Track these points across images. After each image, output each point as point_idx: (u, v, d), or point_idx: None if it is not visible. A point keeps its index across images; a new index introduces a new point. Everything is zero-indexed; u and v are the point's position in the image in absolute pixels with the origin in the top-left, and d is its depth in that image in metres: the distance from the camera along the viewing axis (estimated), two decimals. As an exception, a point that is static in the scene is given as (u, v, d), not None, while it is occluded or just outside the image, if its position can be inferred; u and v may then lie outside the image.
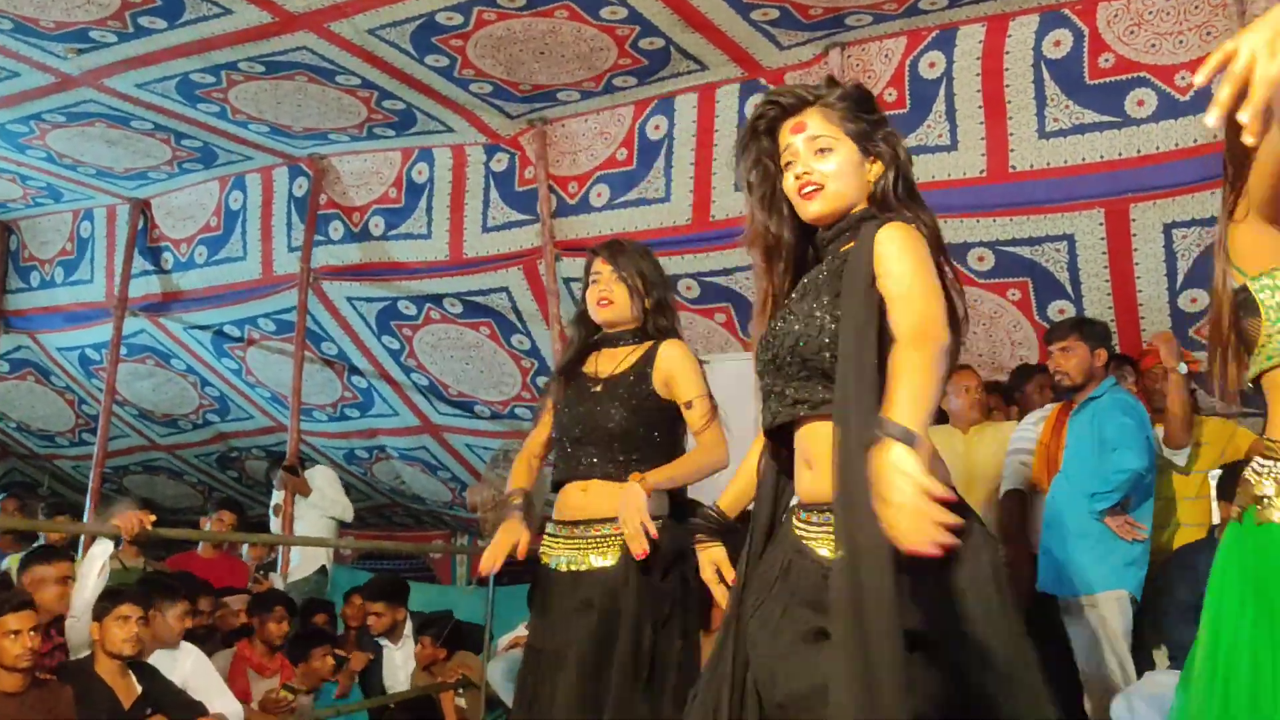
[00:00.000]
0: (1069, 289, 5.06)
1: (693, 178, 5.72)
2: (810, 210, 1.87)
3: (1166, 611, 3.57)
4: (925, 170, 4.92)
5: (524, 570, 3.29)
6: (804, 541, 1.83)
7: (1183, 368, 3.80)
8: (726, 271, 5.76)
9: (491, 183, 6.36)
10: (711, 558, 2.18)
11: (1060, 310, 5.07)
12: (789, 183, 1.89)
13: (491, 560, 2.71)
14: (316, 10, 4.92)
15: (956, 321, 1.77)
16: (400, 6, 4.87)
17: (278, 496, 6.45)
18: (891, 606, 1.51)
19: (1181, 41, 4.54)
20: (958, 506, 1.65)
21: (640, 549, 2.51)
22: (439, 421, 7.67)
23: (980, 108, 4.91)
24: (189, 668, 3.90)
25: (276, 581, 6.04)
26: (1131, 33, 4.61)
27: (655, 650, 2.59)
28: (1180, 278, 4.84)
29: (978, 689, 1.67)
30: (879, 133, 1.88)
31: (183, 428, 8.71)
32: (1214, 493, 3.88)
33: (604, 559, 2.64)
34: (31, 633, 3.18)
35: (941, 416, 4.28)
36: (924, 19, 4.94)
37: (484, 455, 7.45)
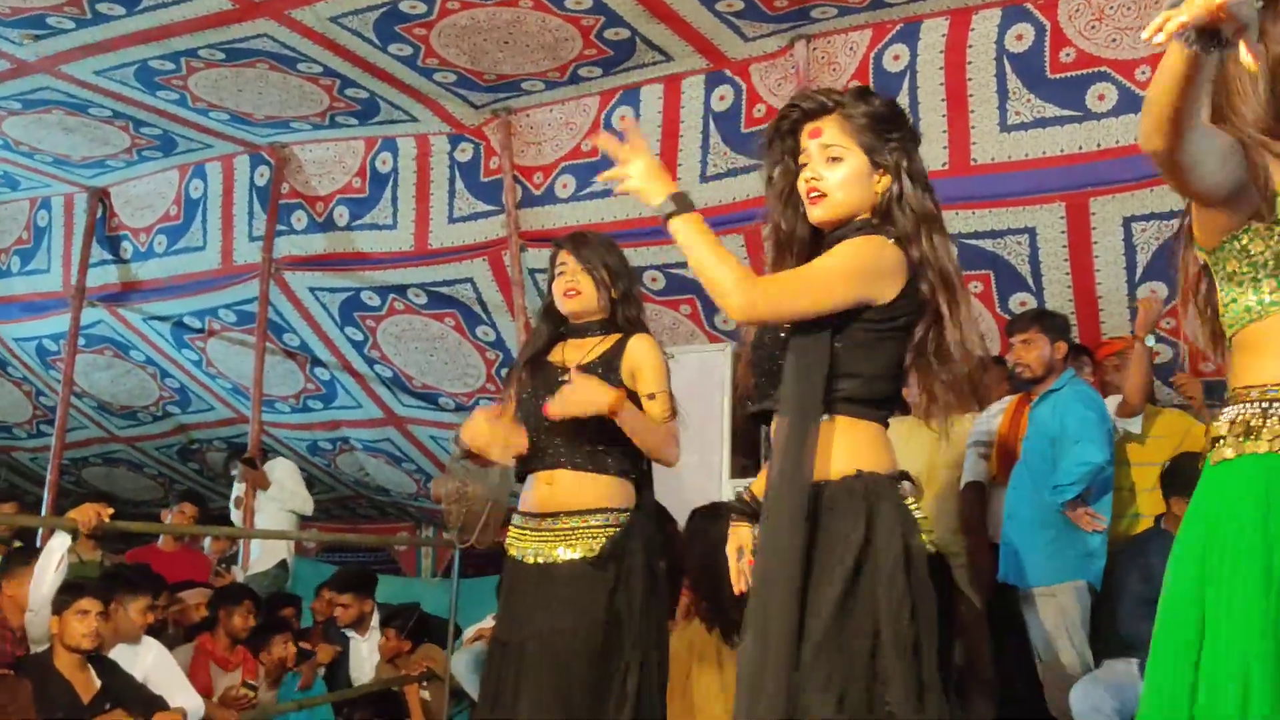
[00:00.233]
0: (1030, 281, 5.11)
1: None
2: (814, 214, 1.97)
3: (1120, 601, 3.62)
4: (889, 163, 4.95)
5: (490, 563, 3.29)
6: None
7: (1151, 339, 3.83)
8: (691, 263, 5.77)
9: (456, 173, 6.33)
10: (739, 539, 2.19)
11: (1022, 302, 5.12)
12: (801, 184, 1.98)
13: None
14: (278, -3, 4.87)
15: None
16: (363, -6, 4.84)
17: (238, 489, 6.40)
18: (789, 595, 1.76)
19: (1142, 36, 4.58)
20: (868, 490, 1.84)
21: (558, 408, 2.56)
22: (403, 413, 7.63)
23: (943, 101, 4.95)
24: (150, 662, 3.87)
25: (237, 575, 5.99)
26: (1093, 27, 4.66)
27: (624, 644, 2.58)
28: (1139, 270, 4.90)
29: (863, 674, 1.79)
30: (893, 148, 1.95)
31: (142, 420, 8.61)
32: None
33: (572, 552, 2.63)
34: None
35: (905, 409, 4.31)
36: (888, 12, 4.97)
37: (449, 447, 7.42)
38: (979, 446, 4.09)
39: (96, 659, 3.59)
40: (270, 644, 4.56)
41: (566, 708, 2.52)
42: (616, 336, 2.80)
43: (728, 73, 5.49)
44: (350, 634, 5.12)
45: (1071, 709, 3.44)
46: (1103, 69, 4.64)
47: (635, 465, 2.78)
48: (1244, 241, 1.55)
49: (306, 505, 6.43)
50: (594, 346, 2.80)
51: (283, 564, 6.25)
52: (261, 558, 6.24)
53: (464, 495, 4.54)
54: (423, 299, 6.70)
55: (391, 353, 7.14)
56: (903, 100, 5.02)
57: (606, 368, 2.73)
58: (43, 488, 7.25)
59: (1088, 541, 3.63)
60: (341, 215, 6.65)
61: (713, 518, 4.11)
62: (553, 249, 2.90)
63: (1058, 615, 3.55)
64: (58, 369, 7.79)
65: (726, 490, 4.90)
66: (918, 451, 4.00)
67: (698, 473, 4.91)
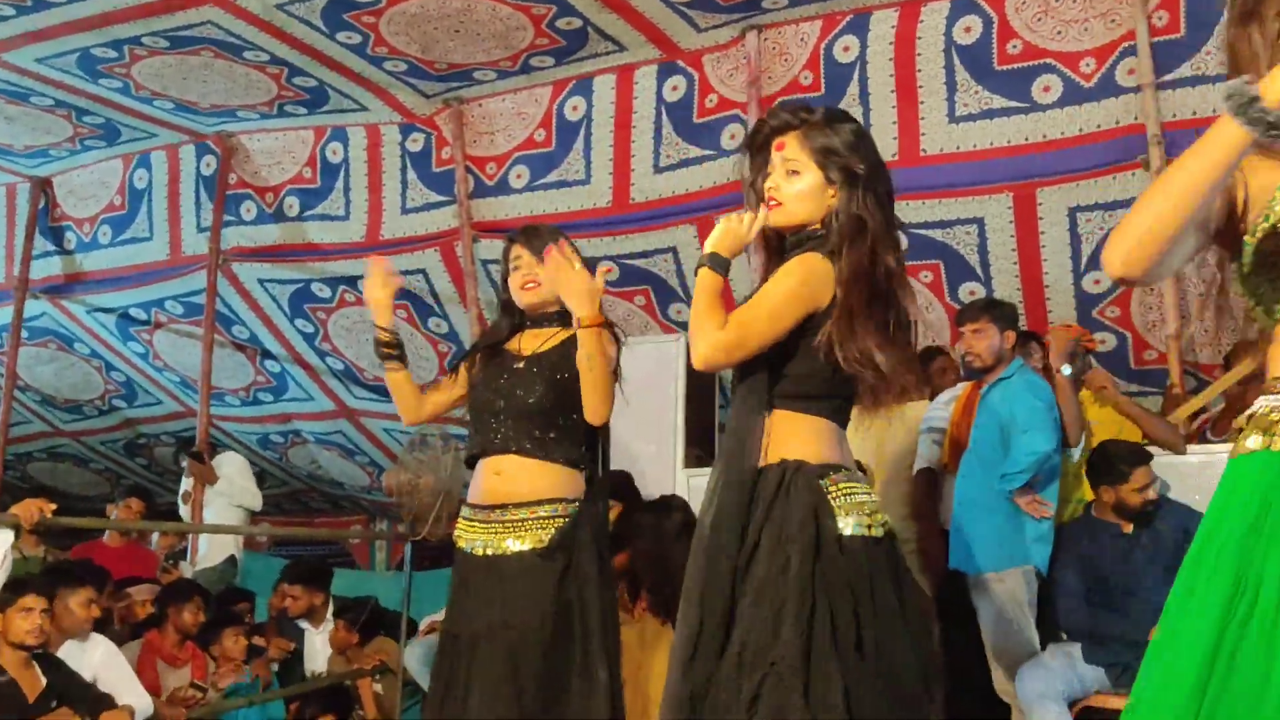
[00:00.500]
0: (979, 271, 5.17)
1: (612, 160, 5.71)
2: (771, 220, 2.15)
3: (1057, 590, 3.68)
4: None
5: (444, 555, 3.28)
6: None
7: (1066, 369, 3.88)
8: (646, 254, 5.77)
9: (408, 163, 6.28)
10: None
11: (971, 292, 5.18)
12: (765, 191, 2.17)
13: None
14: (222, -16, 4.80)
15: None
16: (311, -19, 4.78)
17: (186, 483, 6.32)
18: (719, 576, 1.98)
19: (1087, 29, 4.65)
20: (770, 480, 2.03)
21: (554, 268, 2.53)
22: (355, 406, 7.57)
23: (893, 92, 4.99)
24: (98, 660, 3.81)
25: (185, 570, 5.92)
26: (1039, 20, 4.72)
27: (575, 635, 2.56)
28: (1084, 260, 4.97)
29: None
30: (844, 167, 2.09)
31: (88, 414, 8.47)
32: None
33: (521, 543, 2.61)
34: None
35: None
36: (839, 3, 5.00)
37: (402, 439, 7.37)
38: (932, 434, 4.13)
39: (42, 657, 3.53)
40: (221, 638, 4.50)
41: (518, 701, 2.50)
42: (574, 329, 2.74)
43: (680, 63, 5.50)
44: (305, 626, 5.08)
45: (1017, 691, 3.49)
46: (1048, 61, 4.71)
47: (584, 454, 2.76)
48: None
49: (255, 501, 6.36)
50: (551, 336, 2.79)
51: (231, 559, 6.17)
52: (210, 553, 6.16)
53: (416, 487, 4.52)
54: (374, 290, 6.63)
55: (343, 345, 7.08)
56: (853, 91, 5.06)
57: (562, 357, 2.71)
58: (-15, 483, 7.12)
59: (1035, 528, 3.68)
60: (292, 206, 6.58)
61: (663, 510, 4.12)
62: (505, 243, 2.88)
63: (1006, 600, 3.60)
64: (0, 362, 7.63)
65: (681, 480, 4.92)
66: (867, 438, 4.05)
67: (652, 463, 4.93)
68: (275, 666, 4.94)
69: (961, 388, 4.11)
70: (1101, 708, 3.63)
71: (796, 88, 5.22)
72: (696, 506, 4.28)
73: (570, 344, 2.70)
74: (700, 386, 5.33)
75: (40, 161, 6.97)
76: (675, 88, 5.54)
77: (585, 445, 2.78)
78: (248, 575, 6.28)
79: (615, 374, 2.70)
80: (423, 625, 4.94)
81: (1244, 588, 1.35)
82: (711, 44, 5.35)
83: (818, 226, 2.12)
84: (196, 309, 6.93)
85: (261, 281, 6.86)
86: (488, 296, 5.94)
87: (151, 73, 5.70)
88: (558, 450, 2.69)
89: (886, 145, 4.98)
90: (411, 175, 6.26)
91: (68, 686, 3.55)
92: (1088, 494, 4.06)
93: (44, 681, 3.48)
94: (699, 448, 5.26)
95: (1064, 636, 3.67)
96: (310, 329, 7.07)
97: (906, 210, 4.96)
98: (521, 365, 2.75)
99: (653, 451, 4.99)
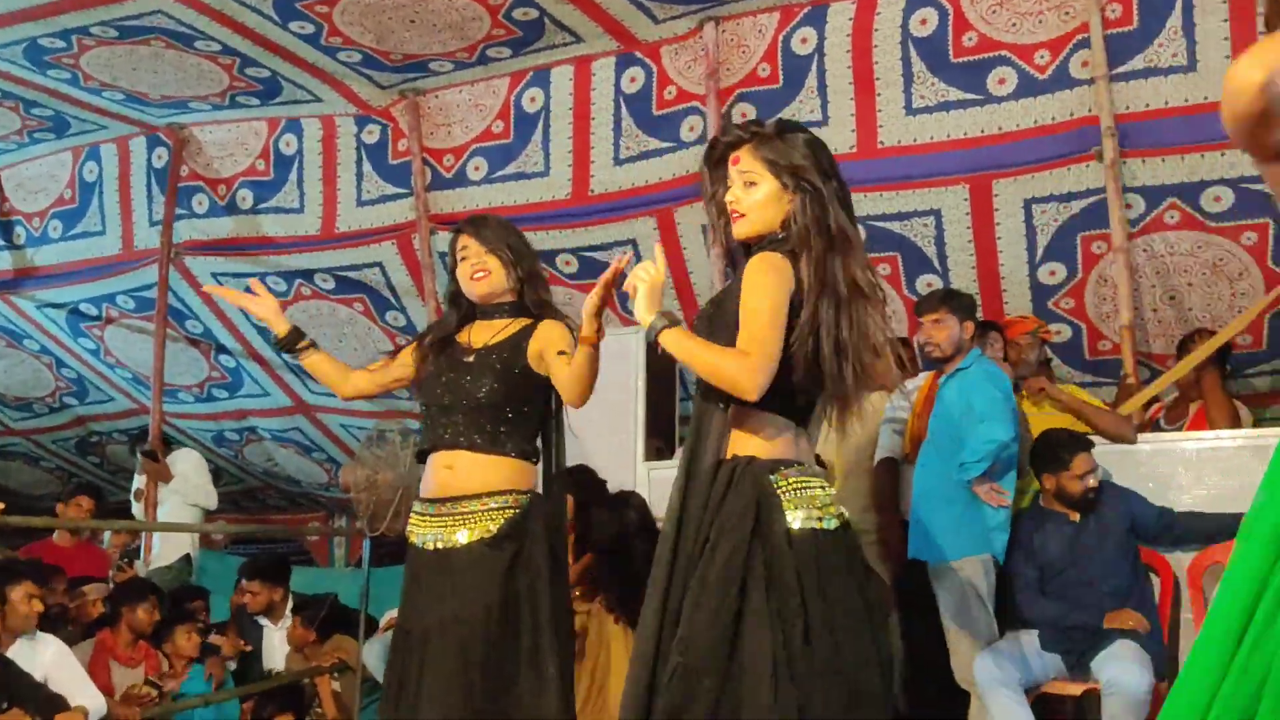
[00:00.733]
0: (936, 263, 5.20)
1: (571, 152, 5.68)
2: (736, 232, 2.25)
3: (1012, 579, 3.73)
4: (798, 145, 4.98)
5: (403, 551, 3.23)
6: None
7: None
8: (605, 246, 5.76)
9: (364, 155, 6.22)
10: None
11: (928, 283, 5.22)
12: (727, 205, 2.27)
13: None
14: (172, -28, 4.72)
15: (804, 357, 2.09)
16: (262, -30, 4.71)
17: (139, 481, 6.22)
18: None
19: (1041, 21, 4.69)
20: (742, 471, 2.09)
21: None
22: (312, 401, 7.48)
23: (851, 84, 5.00)
24: (49, 660, 3.75)
25: (139, 569, 5.83)
26: (994, 12, 4.75)
27: (523, 627, 2.53)
28: (1040, 252, 5.02)
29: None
30: (798, 171, 2.17)
31: (38, 411, 8.31)
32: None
33: (470, 535, 2.58)
34: None
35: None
36: (797, -6, 5.00)
37: (359, 435, 7.30)
38: (893, 424, 4.15)
39: (-10, 658, 3.47)
40: (173, 636, 4.44)
41: (468, 696, 2.47)
42: (526, 320, 2.77)
43: (638, 54, 5.48)
44: (264, 622, 5.02)
45: (976, 677, 3.52)
46: (1003, 53, 4.74)
47: (536, 447, 2.75)
48: None
49: (210, 499, 6.28)
50: (502, 328, 2.76)
51: (186, 558, 6.09)
52: (164, 551, 6.08)
53: (374, 483, 4.48)
54: (330, 284, 6.58)
55: (300, 339, 6.99)
56: (811, 83, 5.07)
57: (514, 350, 2.70)
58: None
59: (994, 516, 3.71)
60: (245, 198, 6.49)
61: (620, 507, 4.12)
62: (452, 234, 2.87)
63: (964, 588, 3.63)
64: (-54, 360, 7.48)
65: (641, 473, 4.92)
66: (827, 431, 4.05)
67: (612, 455, 4.92)
68: (233, 665, 4.88)
69: (923, 378, 4.14)
70: (1057, 694, 3.67)
71: (755, 80, 5.22)
72: (657, 499, 4.30)
73: (522, 336, 2.71)
74: (661, 379, 5.33)
75: (-14, 154, 6.83)
76: (633, 79, 5.53)
77: (538, 437, 2.76)
78: (203, 573, 6.20)
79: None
80: (382, 622, 4.90)
81: None
82: (669, 35, 5.34)
83: (776, 230, 2.20)
84: (148, 304, 6.83)
85: (215, 275, 6.76)
86: (445, 290, 5.89)
87: (101, 63, 5.59)
88: (509, 443, 2.66)
89: (844, 137, 5.00)
90: (367, 167, 6.20)
91: (19, 687, 3.49)
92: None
93: (-8, 683, 3.42)
94: (660, 440, 5.26)
95: (1021, 624, 3.70)
96: (265, 323, 6.97)
97: (864, 202, 4.99)
98: (472, 359, 2.72)
99: (613, 444, 4.99)
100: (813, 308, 2.09)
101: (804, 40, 5.08)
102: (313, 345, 2.87)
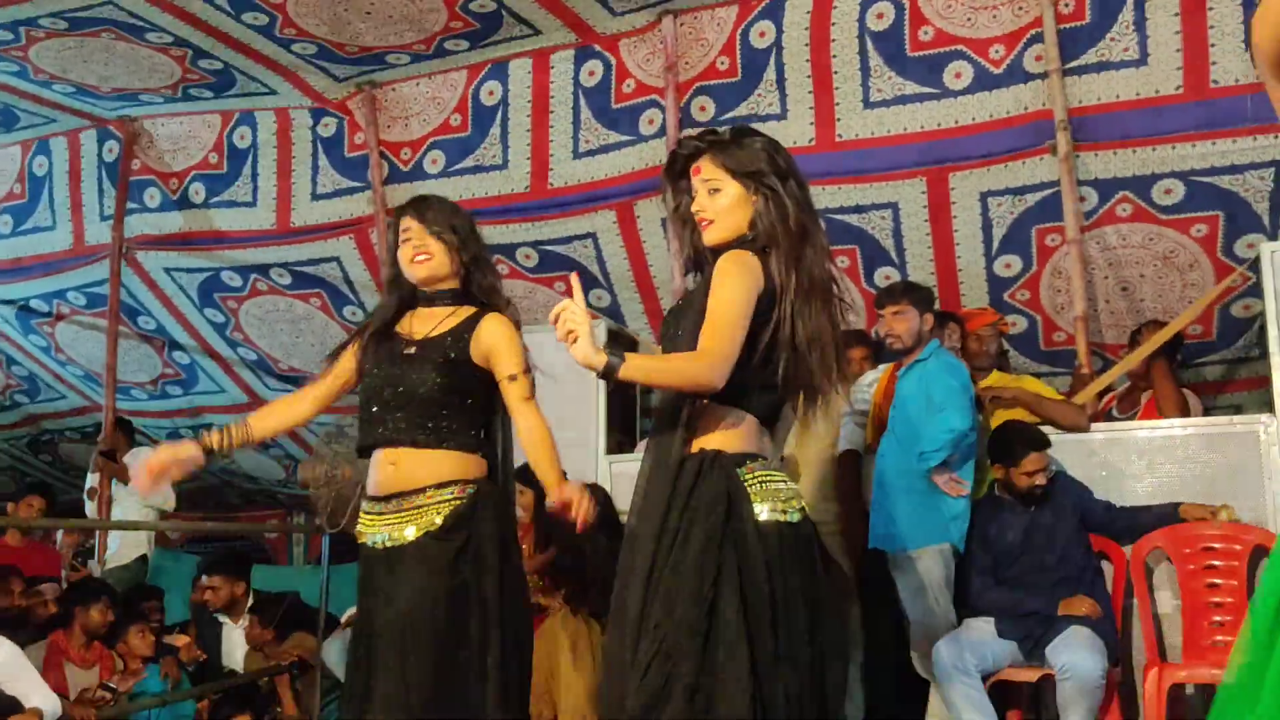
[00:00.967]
0: (894, 255, 5.24)
1: (530, 144, 5.66)
2: (707, 239, 2.28)
3: (969, 568, 3.77)
4: (757, 139, 4.99)
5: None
6: None
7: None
8: (566, 240, 5.74)
9: (319, 148, 6.15)
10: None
11: (886, 276, 5.25)
12: (694, 214, 2.30)
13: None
14: (122, -38, 4.64)
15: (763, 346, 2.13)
16: (215, -39, 4.64)
17: (92, 479, 6.12)
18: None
19: (995, 16, 4.73)
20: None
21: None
22: (269, 397, 7.39)
23: (809, 77, 5.02)
24: (1, 661, 3.67)
25: (94, 569, 5.74)
26: (949, 7, 4.78)
27: (472, 618, 2.45)
28: (995, 244, 5.08)
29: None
30: (759, 172, 2.22)
31: (-12, 409, 8.17)
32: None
33: (417, 530, 2.50)
34: None
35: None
36: (754, -13, 5.01)
37: (318, 431, 7.23)
38: (855, 415, 4.18)
39: (-60, 662, 3.40)
40: (127, 636, 4.38)
41: (418, 692, 2.40)
42: (470, 310, 2.67)
43: (597, 47, 5.46)
44: (223, 619, 4.96)
45: (934, 665, 3.56)
46: (959, 48, 4.78)
47: (483, 439, 2.66)
48: None
49: (168, 501, 6.18)
50: (444, 318, 2.65)
51: (143, 558, 6.01)
52: (121, 551, 5.99)
53: (332, 479, 4.44)
54: (287, 279, 6.51)
55: (255, 335, 6.92)
56: (770, 76, 5.08)
57: (456, 343, 2.61)
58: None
59: (952, 506, 3.75)
60: (198, 192, 6.40)
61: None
62: (394, 216, 2.75)
63: (923, 577, 3.67)
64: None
65: (603, 467, 4.91)
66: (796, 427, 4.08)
67: (574, 449, 4.89)
68: (192, 666, 4.82)
69: (883, 369, 4.17)
70: (1013, 680, 3.72)
71: (714, 73, 5.23)
72: (619, 492, 4.30)
73: (465, 328, 2.62)
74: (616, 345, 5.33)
75: (-68, 148, 6.69)
76: (592, 73, 5.51)
77: (484, 429, 2.68)
78: (158, 573, 6.12)
79: (530, 392, 2.62)
80: (343, 619, 4.86)
81: None
82: (628, 29, 5.33)
83: (746, 232, 2.24)
84: (100, 300, 6.72)
85: (168, 270, 6.67)
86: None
87: (50, 56, 5.48)
88: (454, 437, 2.57)
89: (803, 131, 5.02)
90: (323, 161, 6.13)
91: (-31, 692, 3.42)
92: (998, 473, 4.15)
93: (-58, 688, 3.35)
94: (622, 433, 5.26)
95: (978, 612, 3.75)
96: (220, 319, 6.90)
97: (823, 195, 5.01)
98: (413, 350, 2.61)
99: (573, 437, 4.97)
100: (784, 302, 2.13)
101: (762, 34, 5.10)
102: (231, 437, 2.66)
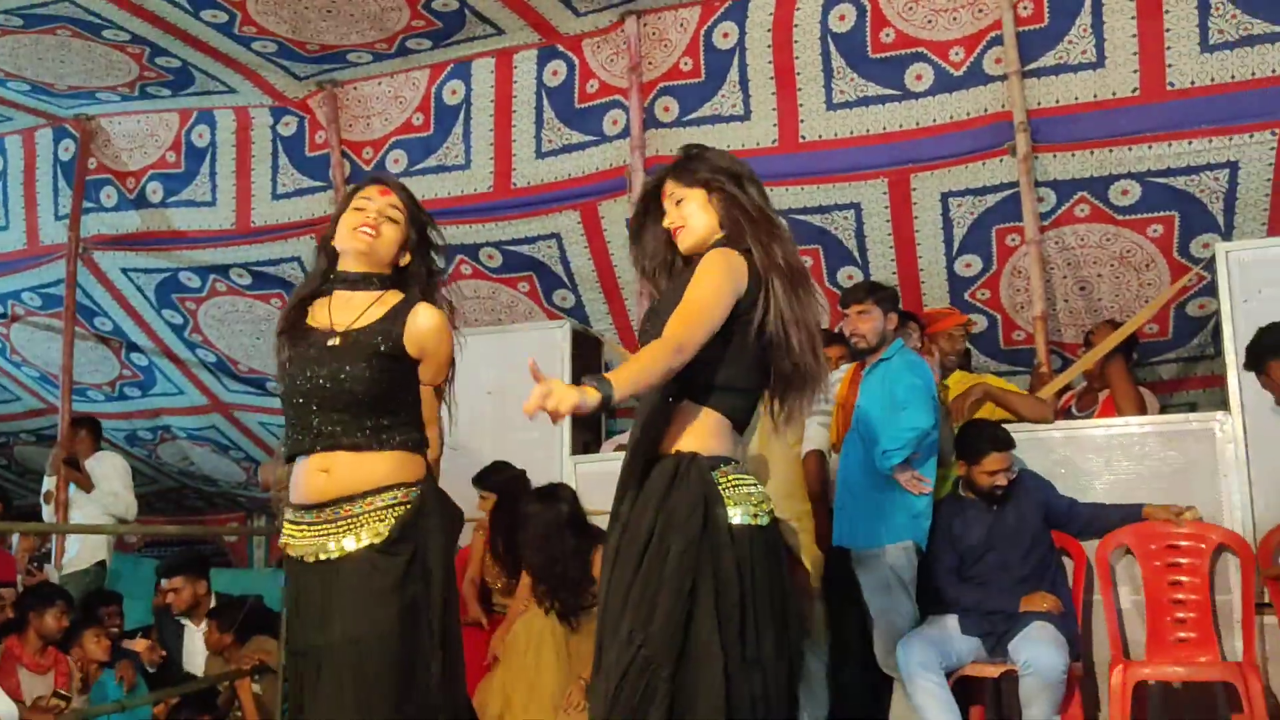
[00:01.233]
0: (856, 255, 5.27)
1: (493, 144, 5.64)
2: (683, 245, 2.39)
3: (933, 564, 3.80)
4: (720, 139, 5.02)
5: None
6: None
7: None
8: (530, 240, 5.72)
9: (280, 147, 6.09)
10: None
11: (849, 276, 5.29)
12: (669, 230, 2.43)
13: None
14: (78, -42, 4.57)
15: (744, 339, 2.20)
16: (173, -43, 4.59)
17: (49, 483, 6.02)
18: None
19: (955, 19, 4.78)
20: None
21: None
22: (229, 400, 7.32)
23: (772, 79, 5.04)
24: (-45, 668, 3.61)
25: (51, 574, 5.64)
26: (910, 9, 4.82)
27: (422, 635, 2.25)
28: (956, 244, 5.12)
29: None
30: (711, 177, 2.35)
31: (-60, 412, 8.02)
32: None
33: (358, 541, 2.26)
34: None
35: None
36: (717, -12, 5.03)
37: (279, 433, 7.17)
38: (820, 415, 4.19)
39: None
40: (82, 640, 4.32)
41: (363, 713, 2.18)
42: (398, 297, 2.41)
43: (560, 48, 5.45)
44: (186, 624, 4.90)
45: (898, 662, 3.59)
46: (920, 50, 4.82)
47: (424, 435, 2.43)
48: None
49: (130, 510, 6.09)
50: (370, 305, 2.39)
51: (101, 564, 5.92)
52: (79, 555, 5.89)
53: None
54: (247, 279, 6.44)
55: (214, 336, 6.85)
56: (733, 77, 5.10)
57: (388, 332, 2.35)
58: None
59: (914, 504, 3.77)
60: (155, 191, 6.32)
61: (549, 500, 4.10)
62: (363, 182, 2.51)
63: (887, 574, 3.69)
64: None
65: (568, 467, 4.90)
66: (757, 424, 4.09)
67: (537, 450, 4.90)
68: (152, 669, 4.76)
69: (846, 368, 4.19)
70: (976, 676, 3.76)
71: (677, 74, 5.24)
72: (584, 492, 4.29)
73: (395, 316, 2.36)
74: (588, 373, 5.32)
75: (-118, 146, 6.55)
76: (555, 73, 5.50)
77: (420, 424, 2.44)
78: (116, 577, 6.03)
79: (451, 372, 2.46)
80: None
81: None
82: (591, 29, 5.33)
83: (720, 233, 2.33)
84: (56, 300, 6.62)
85: (125, 271, 6.58)
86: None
87: (4, 53, 5.39)
88: (393, 437, 2.33)
89: (766, 132, 5.05)
90: (284, 160, 6.08)
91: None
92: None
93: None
94: (588, 433, 5.25)
95: (941, 609, 3.78)
96: (179, 320, 6.81)
97: (786, 196, 5.04)
98: (338, 341, 2.34)
99: (537, 438, 4.96)
100: (769, 288, 2.21)
101: (725, 35, 5.11)
102: None
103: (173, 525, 8.79)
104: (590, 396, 1.94)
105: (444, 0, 5.00)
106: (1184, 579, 3.81)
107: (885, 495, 3.74)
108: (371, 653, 2.19)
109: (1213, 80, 4.40)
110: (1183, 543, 3.83)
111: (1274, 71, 4.32)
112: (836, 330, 4.81)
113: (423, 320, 2.37)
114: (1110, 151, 4.62)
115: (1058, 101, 4.65)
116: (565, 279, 5.83)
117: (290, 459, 2.41)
